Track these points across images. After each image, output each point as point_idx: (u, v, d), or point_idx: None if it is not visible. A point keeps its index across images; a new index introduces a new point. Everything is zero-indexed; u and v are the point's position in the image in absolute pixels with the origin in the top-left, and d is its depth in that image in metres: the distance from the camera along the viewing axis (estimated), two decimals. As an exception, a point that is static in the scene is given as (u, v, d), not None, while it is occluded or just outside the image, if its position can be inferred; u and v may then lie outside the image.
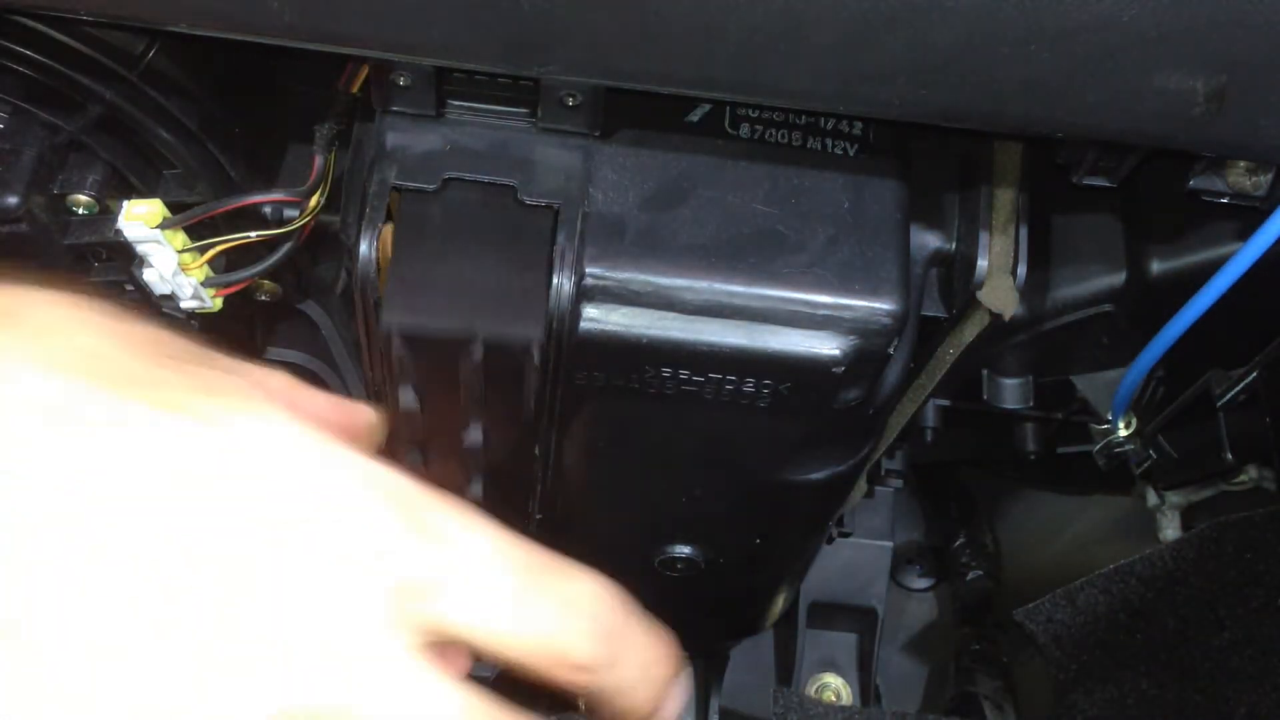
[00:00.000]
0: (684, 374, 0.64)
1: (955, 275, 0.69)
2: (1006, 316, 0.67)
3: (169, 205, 0.64)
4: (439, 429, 0.69)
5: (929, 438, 0.93)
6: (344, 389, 0.88)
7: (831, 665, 1.26)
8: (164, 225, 0.63)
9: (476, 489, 0.75)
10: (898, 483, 1.00)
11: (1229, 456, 0.80)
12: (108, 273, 0.71)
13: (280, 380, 0.39)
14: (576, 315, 0.61)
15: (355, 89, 0.64)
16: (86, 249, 0.69)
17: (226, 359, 0.38)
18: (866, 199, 0.62)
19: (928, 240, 0.69)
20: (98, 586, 0.28)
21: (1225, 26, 0.46)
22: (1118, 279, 0.77)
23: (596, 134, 0.62)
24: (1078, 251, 0.77)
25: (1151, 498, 0.97)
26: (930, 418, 0.92)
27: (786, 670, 1.24)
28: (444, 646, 0.33)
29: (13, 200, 0.64)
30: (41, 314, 0.35)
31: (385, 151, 0.61)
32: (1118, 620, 0.97)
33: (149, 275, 0.65)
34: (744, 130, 0.63)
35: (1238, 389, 0.78)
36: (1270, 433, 0.77)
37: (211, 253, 0.66)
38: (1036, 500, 1.21)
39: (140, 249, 0.64)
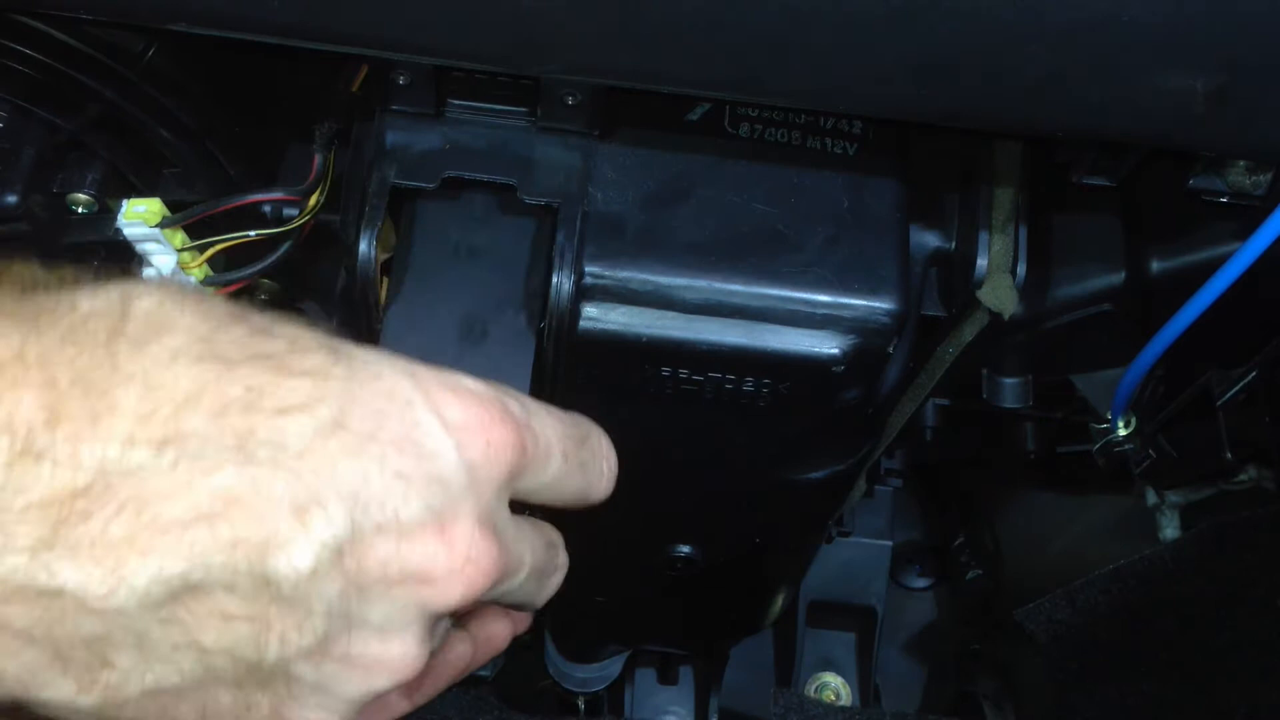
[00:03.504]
0: (683, 373, 0.64)
1: (955, 274, 0.69)
2: (1006, 316, 0.67)
3: (168, 204, 0.64)
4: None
5: (929, 437, 0.93)
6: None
7: (831, 664, 1.26)
8: (163, 224, 0.63)
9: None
10: (897, 482, 1.00)
11: (1229, 456, 0.80)
12: (107, 272, 0.71)
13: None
14: (576, 314, 0.61)
15: (355, 88, 0.64)
16: (86, 248, 0.69)
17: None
18: (866, 198, 0.62)
19: (927, 240, 0.69)
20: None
21: (1225, 26, 0.46)
22: (1117, 278, 0.77)
23: (596, 133, 0.62)
24: (1077, 251, 0.77)
25: (1151, 497, 0.97)
26: (930, 417, 0.92)
27: (786, 669, 1.24)
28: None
29: (12, 199, 0.64)
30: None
31: (385, 150, 0.61)
32: (1118, 620, 0.97)
33: (149, 274, 0.65)
34: (744, 130, 0.63)
35: (1237, 388, 0.78)
36: (1270, 433, 0.77)
37: (211, 251, 0.66)
38: (1036, 500, 1.21)
39: (140, 248, 0.64)
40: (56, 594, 0.37)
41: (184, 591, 0.39)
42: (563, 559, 0.52)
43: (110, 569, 0.37)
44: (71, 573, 0.37)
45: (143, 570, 0.38)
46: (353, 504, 0.40)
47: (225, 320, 0.42)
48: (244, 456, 0.39)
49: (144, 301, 0.41)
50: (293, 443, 0.40)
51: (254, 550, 0.39)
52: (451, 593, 0.42)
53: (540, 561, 0.49)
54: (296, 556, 0.39)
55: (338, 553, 0.40)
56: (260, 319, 0.43)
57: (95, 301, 0.41)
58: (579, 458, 0.49)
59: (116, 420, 0.38)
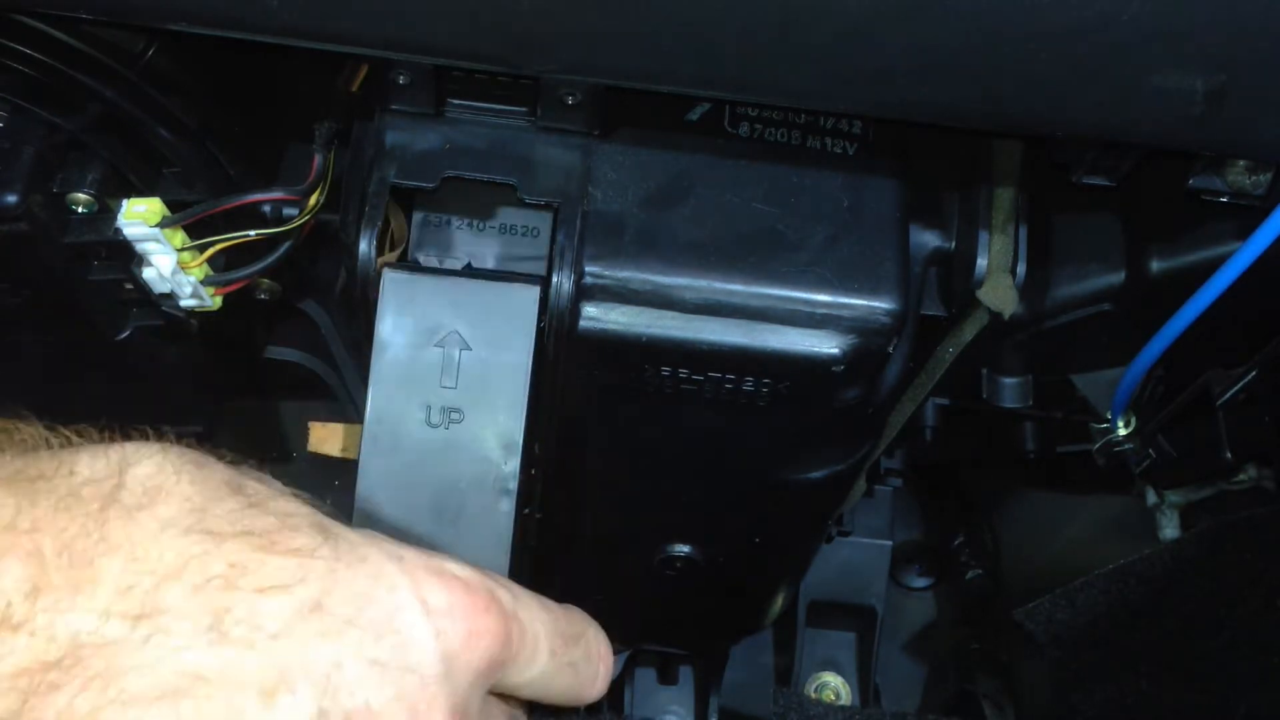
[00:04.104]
0: (683, 373, 0.63)
1: (955, 274, 0.69)
2: (1006, 315, 0.67)
3: (168, 204, 0.64)
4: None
5: (929, 437, 0.93)
6: (343, 387, 0.88)
7: (831, 664, 1.26)
8: (163, 224, 0.63)
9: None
10: (897, 482, 1.00)
11: (1228, 456, 0.80)
12: (107, 271, 0.71)
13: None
14: (576, 314, 0.61)
15: (355, 88, 0.64)
16: (86, 247, 0.69)
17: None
18: (866, 198, 0.62)
19: (927, 239, 0.69)
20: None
21: (1225, 26, 0.46)
22: (1117, 278, 0.77)
23: (596, 133, 0.62)
24: (1077, 250, 0.77)
25: (1151, 497, 0.97)
26: (930, 417, 0.92)
27: (786, 669, 1.24)
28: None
29: (12, 199, 0.64)
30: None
31: (385, 150, 0.61)
32: (1118, 620, 0.96)
33: (148, 274, 0.65)
34: (743, 129, 0.63)
35: (1237, 388, 0.78)
36: (1270, 432, 0.77)
37: (211, 251, 0.66)
38: (1036, 500, 1.21)
39: (140, 247, 0.64)
40: None
41: None
42: None
43: None
44: None
45: None
46: (323, 689, 0.40)
47: (220, 491, 0.42)
48: (217, 635, 0.39)
49: (141, 468, 0.41)
50: (268, 623, 0.40)
51: None
52: None
53: None
54: None
55: None
56: (256, 489, 0.43)
57: (94, 466, 0.41)
58: (569, 656, 0.48)
59: (97, 591, 0.38)
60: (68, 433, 0.46)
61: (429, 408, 0.58)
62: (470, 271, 0.62)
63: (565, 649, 0.48)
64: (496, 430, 0.58)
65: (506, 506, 0.58)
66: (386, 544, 0.44)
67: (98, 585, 0.38)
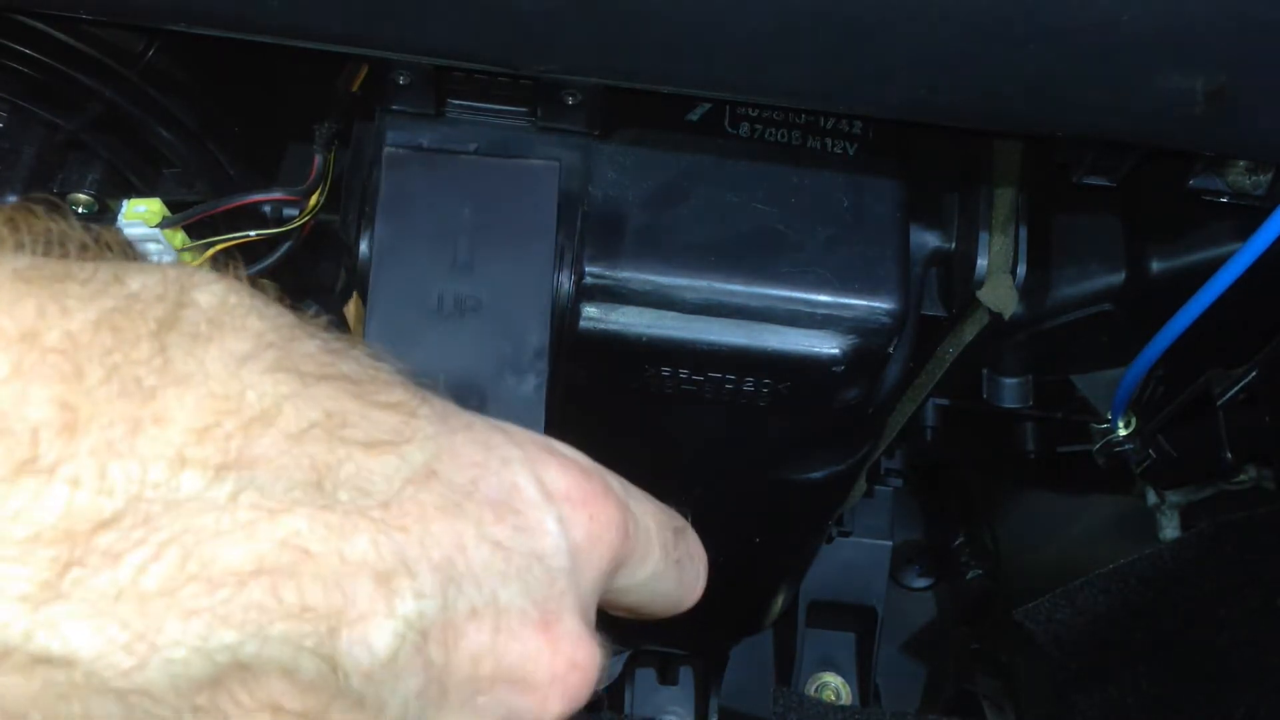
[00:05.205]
0: (683, 373, 0.64)
1: (955, 274, 0.69)
2: (1006, 316, 0.67)
3: (168, 204, 0.64)
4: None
5: (929, 437, 0.93)
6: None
7: (831, 664, 1.26)
8: (164, 224, 0.63)
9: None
10: (897, 482, 1.00)
11: (1229, 456, 0.80)
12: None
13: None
14: (576, 314, 0.61)
15: (355, 88, 0.64)
16: (86, 248, 0.69)
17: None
18: (866, 198, 0.62)
19: (927, 240, 0.69)
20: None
21: (1225, 26, 0.46)
22: (1117, 278, 0.77)
23: (596, 133, 0.62)
24: (1077, 251, 0.77)
25: (1151, 497, 0.97)
26: (930, 417, 0.92)
27: (786, 669, 1.24)
28: None
29: (12, 199, 0.64)
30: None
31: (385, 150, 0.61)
32: (1118, 620, 0.97)
33: (148, 274, 0.65)
34: (743, 129, 0.63)
35: (1237, 388, 0.78)
36: (1270, 432, 0.77)
37: (211, 251, 0.66)
38: (1036, 500, 1.21)
39: (140, 248, 0.64)
40: (63, 664, 0.28)
41: (232, 671, 0.29)
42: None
43: (139, 634, 0.28)
44: (86, 635, 0.28)
45: (184, 638, 0.28)
46: (447, 577, 0.32)
47: (295, 331, 0.34)
48: (322, 498, 0.30)
49: (205, 292, 0.32)
50: (378, 488, 0.32)
51: (323, 623, 0.30)
52: (550, 705, 0.34)
53: (605, 663, 0.41)
54: (374, 638, 0.30)
55: (423, 637, 0.31)
56: (331, 338, 0.35)
57: (147, 280, 0.31)
58: (677, 552, 0.42)
59: (164, 432, 0.29)
60: (110, 239, 0.34)
61: (440, 297, 0.53)
62: (481, 151, 0.57)
63: (675, 545, 0.41)
64: (520, 314, 0.53)
65: (537, 394, 0.52)
66: (482, 415, 0.37)
67: (164, 424, 0.29)
